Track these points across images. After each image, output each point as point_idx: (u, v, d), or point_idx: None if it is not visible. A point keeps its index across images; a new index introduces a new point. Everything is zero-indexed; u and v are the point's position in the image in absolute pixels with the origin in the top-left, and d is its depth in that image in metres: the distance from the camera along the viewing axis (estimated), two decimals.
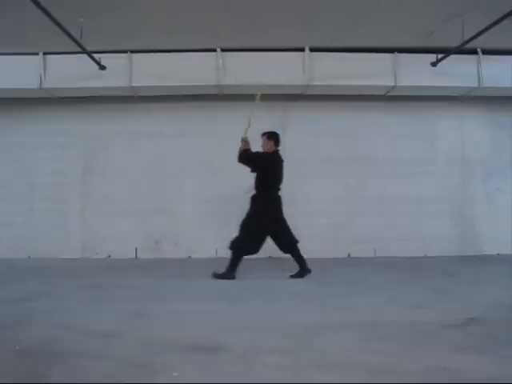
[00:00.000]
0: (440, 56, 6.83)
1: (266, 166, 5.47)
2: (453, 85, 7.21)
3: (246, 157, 5.42)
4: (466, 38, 5.93)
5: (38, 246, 7.39)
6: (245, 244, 5.35)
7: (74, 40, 5.84)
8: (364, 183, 7.67)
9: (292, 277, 5.46)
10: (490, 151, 7.91)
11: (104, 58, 6.85)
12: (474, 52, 7.12)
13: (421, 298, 4.26)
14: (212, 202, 7.56)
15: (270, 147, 5.60)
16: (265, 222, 5.36)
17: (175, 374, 2.34)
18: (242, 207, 7.49)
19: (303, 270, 5.50)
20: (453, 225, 7.77)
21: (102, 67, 6.87)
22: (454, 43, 6.24)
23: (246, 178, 7.54)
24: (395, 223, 7.55)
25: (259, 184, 5.49)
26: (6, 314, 3.66)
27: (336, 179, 7.59)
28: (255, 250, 5.44)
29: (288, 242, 5.51)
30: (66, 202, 7.66)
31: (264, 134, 5.65)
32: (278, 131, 7.92)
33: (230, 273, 5.37)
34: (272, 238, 5.47)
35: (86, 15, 5.70)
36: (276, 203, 5.51)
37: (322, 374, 2.36)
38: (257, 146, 5.68)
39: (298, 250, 5.53)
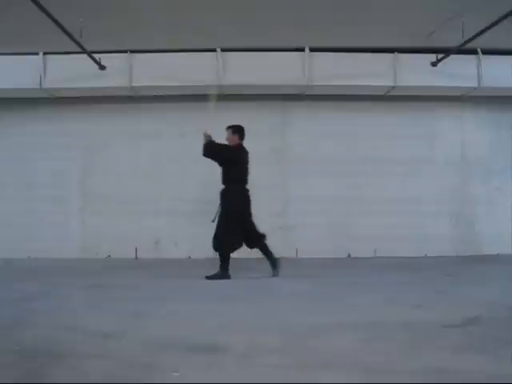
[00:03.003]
0: (440, 56, 6.84)
1: (233, 159, 5.43)
2: (453, 85, 7.22)
3: (212, 149, 5.38)
4: (466, 38, 5.94)
5: (38, 245, 7.39)
6: (227, 240, 5.34)
7: (74, 40, 5.85)
8: (364, 183, 7.67)
9: (273, 275, 5.44)
10: (490, 151, 7.92)
11: (104, 58, 6.85)
12: (474, 52, 7.12)
13: (421, 298, 4.25)
14: (211, 202, 7.54)
15: (235, 141, 5.58)
16: (237, 214, 5.36)
17: (175, 373, 2.34)
18: None
19: (274, 267, 5.49)
20: (453, 225, 7.77)
21: (102, 67, 6.87)
22: (454, 43, 6.25)
23: None
24: (395, 223, 7.55)
25: (227, 178, 5.46)
26: (6, 314, 3.65)
27: (336, 179, 7.60)
28: (239, 243, 5.44)
29: (252, 237, 5.49)
30: (66, 202, 7.66)
31: (229, 127, 5.63)
32: (278, 131, 7.96)
33: (223, 273, 5.36)
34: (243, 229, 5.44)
35: (85, 15, 5.71)
36: (245, 197, 5.49)
37: (321, 374, 2.36)
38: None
39: (265, 246, 5.52)
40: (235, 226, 5.36)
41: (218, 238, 5.38)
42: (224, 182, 5.48)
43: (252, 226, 5.49)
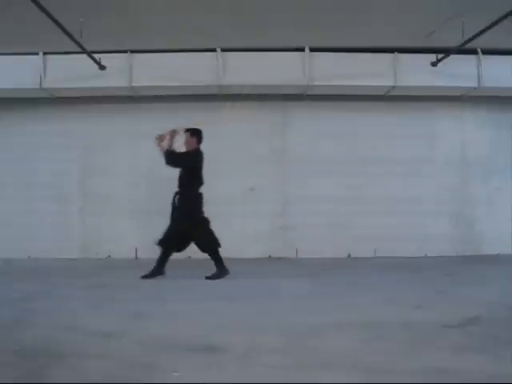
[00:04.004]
0: (440, 56, 6.84)
1: (190, 166, 5.45)
2: (453, 85, 7.22)
3: (174, 159, 5.38)
4: (466, 38, 5.94)
5: (38, 245, 7.39)
6: (212, 239, 5.42)
7: (74, 40, 5.84)
8: (364, 183, 7.66)
9: (144, 277, 5.38)
10: (490, 151, 7.91)
11: (104, 58, 6.85)
12: (474, 52, 7.12)
13: (421, 298, 4.26)
14: (211, 202, 7.54)
15: (193, 144, 5.57)
16: (194, 219, 5.41)
17: (175, 373, 2.34)
18: (243, 208, 7.53)
19: (157, 271, 5.43)
20: (453, 225, 7.77)
21: (102, 67, 6.87)
22: (454, 43, 6.24)
23: (247, 178, 7.60)
24: (395, 223, 7.54)
25: (186, 182, 5.45)
26: (6, 314, 3.66)
27: (336, 179, 7.58)
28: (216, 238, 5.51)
29: (183, 243, 5.52)
30: (66, 202, 7.66)
31: (187, 130, 5.62)
32: (278, 131, 7.94)
33: (221, 270, 5.37)
34: (184, 234, 5.43)
35: (85, 15, 5.70)
36: (199, 201, 5.52)
37: (322, 374, 2.36)
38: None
39: (169, 255, 5.53)
40: (208, 223, 5.45)
41: (204, 241, 5.42)
42: (183, 185, 5.49)
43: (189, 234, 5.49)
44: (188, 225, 5.38)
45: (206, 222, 5.49)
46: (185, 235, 5.44)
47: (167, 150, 5.40)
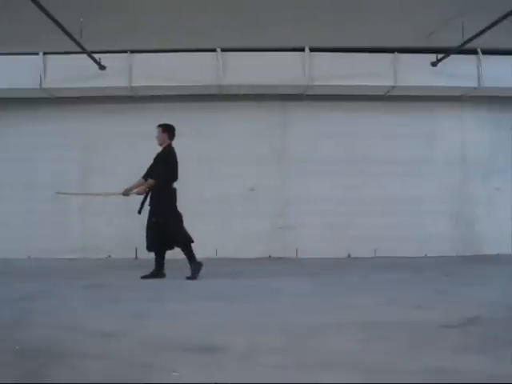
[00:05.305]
0: (440, 56, 6.84)
1: (169, 161, 5.48)
2: (453, 85, 7.22)
3: (161, 178, 5.41)
4: (466, 38, 5.94)
5: (38, 245, 7.38)
6: (184, 234, 5.43)
7: (74, 40, 5.84)
8: (364, 183, 7.65)
9: (144, 277, 5.40)
10: (490, 151, 7.91)
11: (104, 58, 6.85)
12: (474, 52, 7.12)
13: (421, 298, 4.26)
14: (212, 202, 7.56)
15: (164, 140, 5.56)
16: (168, 213, 5.42)
17: (175, 373, 2.34)
18: (243, 208, 7.53)
19: (157, 274, 5.47)
20: (453, 225, 7.77)
21: (102, 67, 6.87)
22: (454, 43, 6.24)
23: (247, 178, 7.60)
24: (395, 223, 7.54)
25: (160, 177, 5.44)
26: (6, 314, 3.66)
27: (336, 179, 7.58)
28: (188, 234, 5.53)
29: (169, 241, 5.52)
30: (66, 202, 7.64)
31: (159, 125, 5.60)
32: (278, 131, 7.93)
33: (195, 265, 5.38)
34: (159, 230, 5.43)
35: (85, 15, 5.70)
36: (172, 197, 5.50)
37: (322, 374, 2.36)
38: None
39: (163, 255, 5.55)
40: (181, 219, 5.46)
41: (177, 236, 5.43)
42: (158, 180, 5.47)
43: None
44: (165, 220, 5.38)
45: (180, 217, 5.49)
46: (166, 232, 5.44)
47: (147, 186, 5.49)
